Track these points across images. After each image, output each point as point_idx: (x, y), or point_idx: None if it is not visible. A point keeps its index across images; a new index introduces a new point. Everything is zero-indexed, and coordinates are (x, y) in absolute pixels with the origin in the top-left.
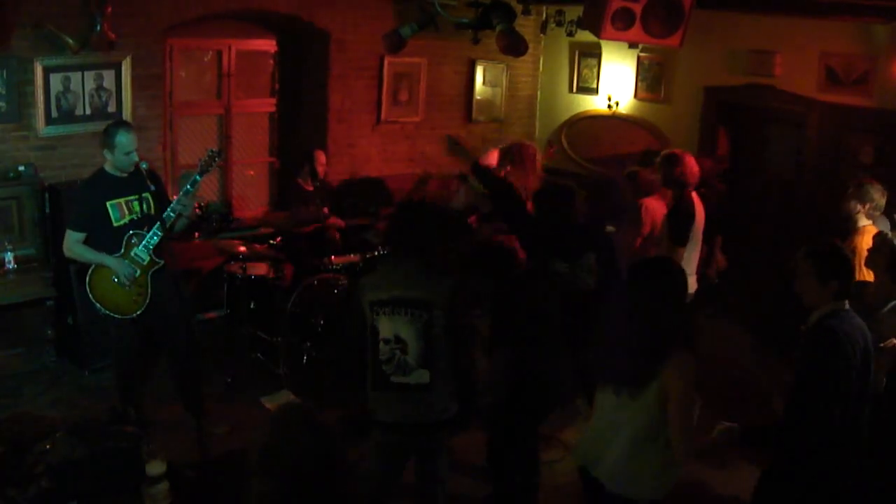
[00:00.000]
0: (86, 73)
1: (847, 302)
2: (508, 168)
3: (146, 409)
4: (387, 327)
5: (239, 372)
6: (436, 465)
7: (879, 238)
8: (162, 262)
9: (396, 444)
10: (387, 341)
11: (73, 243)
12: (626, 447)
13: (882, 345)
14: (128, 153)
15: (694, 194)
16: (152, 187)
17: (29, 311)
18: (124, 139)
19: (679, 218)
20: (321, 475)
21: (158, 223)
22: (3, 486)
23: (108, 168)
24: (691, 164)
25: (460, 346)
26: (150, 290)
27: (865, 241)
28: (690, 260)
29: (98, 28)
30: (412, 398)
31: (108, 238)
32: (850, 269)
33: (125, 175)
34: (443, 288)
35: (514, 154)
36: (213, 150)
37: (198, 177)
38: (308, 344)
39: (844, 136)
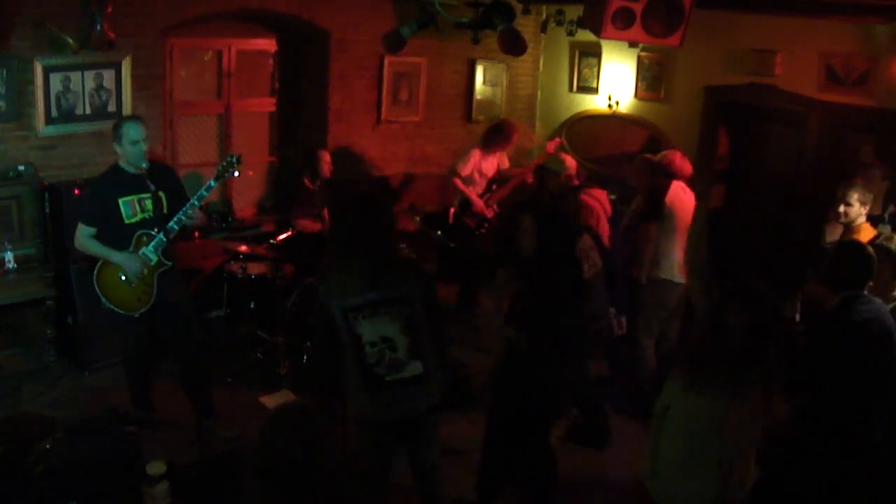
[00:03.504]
0: (86, 72)
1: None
2: (493, 145)
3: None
4: (369, 330)
5: (239, 372)
6: (432, 453)
7: (880, 246)
8: (170, 263)
9: (390, 437)
10: (373, 344)
11: (84, 237)
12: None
13: None
14: (135, 142)
15: (685, 188)
16: (166, 186)
17: (29, 311)
18: (131, 129)
19: (653, 196)
20: (318, 475)
21: (168, 227)
22: (3, 486)
23: (121, 164)
24: (685, 164)
25: (439, 331)
26: (155, 290)
27: (863, 239)
28: (673, 250)
29: (98, 28)
30: (410, 392)
31: (117, 235)
32: (865, 262)
33: (140, 172)
34: (417, 282)
35: (498, 130)
36: (233, 155)
37: (213, 182)
38: (308, 344)
39: (845, 136)
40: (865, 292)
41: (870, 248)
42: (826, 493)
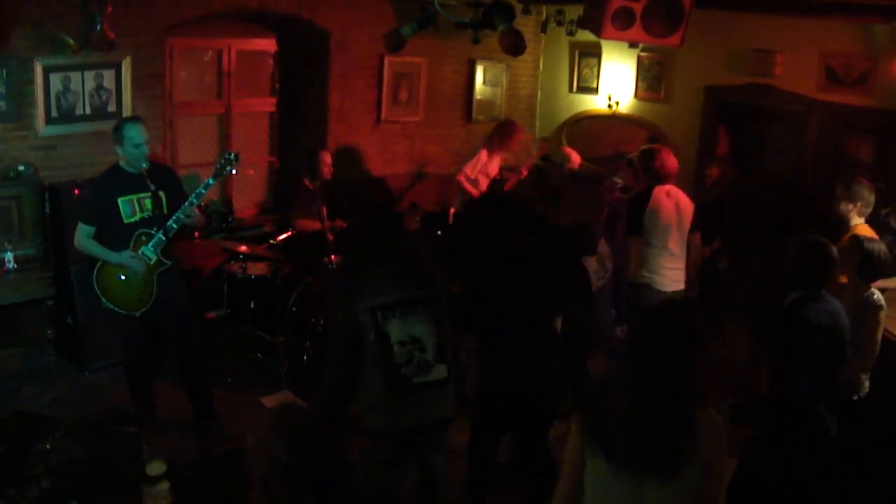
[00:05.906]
0: (86, 72)
1: (821, 290)
2: (497, 145)
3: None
4: (398, 330)
5: (239, 372)
6: (439, 460)
7: (854, 241)
8: (170, 262)
9: (409, 450)
10: (402, 344)
11: (83, 237)
12: None
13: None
14: (137, 145)
15: (670, 191)
16: (166, 186)
17: (29, 311)
18: (133, 131)
19: (635, 207)
20: (320, 473)
21: (167, 226)
22: (3, 486)
23: (122, 164)
24: (668, 159)
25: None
26: (155, 290)
27: None
28: (657, 257)
29: (98, 28)
30: (435, 396)
31: (117, 234)
32: (821, 261)
33: (139, 172)
34: (440, 279)
35: (502, 130)
36: (230, 153)
37: (211, 181)
38: (308, 343)
39: (844, 136)
40: (822, 292)
41: (832, 248)
42: (789, 488)
